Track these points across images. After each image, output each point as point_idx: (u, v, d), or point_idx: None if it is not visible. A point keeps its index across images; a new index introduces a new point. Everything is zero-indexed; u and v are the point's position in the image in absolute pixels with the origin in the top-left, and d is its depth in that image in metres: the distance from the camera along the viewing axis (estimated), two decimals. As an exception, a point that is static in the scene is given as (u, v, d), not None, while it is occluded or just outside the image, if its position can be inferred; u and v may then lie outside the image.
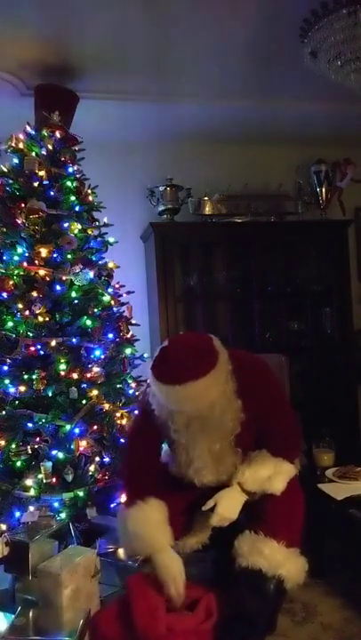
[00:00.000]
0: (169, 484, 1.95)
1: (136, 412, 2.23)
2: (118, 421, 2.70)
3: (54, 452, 2.47)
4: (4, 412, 2.53)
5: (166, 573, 1.82)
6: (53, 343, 2.58)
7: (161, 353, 1.82)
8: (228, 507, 1.85)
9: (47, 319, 2.60)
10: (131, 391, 2.86)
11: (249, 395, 1.83)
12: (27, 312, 2.59)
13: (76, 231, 2.77)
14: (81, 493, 2.49)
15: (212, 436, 1.84)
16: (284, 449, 1.91)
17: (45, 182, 2.77)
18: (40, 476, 2.44)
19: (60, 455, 2.47)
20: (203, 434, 1.83)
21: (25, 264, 2.64)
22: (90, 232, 2.89)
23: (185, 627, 1.75)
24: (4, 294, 2.59)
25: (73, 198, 2.82)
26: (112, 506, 2.59)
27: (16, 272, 2.63)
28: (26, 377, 2.55)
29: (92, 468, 2.60)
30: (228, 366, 1.81)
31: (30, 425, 2.51)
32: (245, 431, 1.86)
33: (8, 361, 2.57)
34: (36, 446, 2.50)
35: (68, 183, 2.83)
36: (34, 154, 2.78)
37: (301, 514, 1.93)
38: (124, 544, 2.02)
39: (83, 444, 2.53)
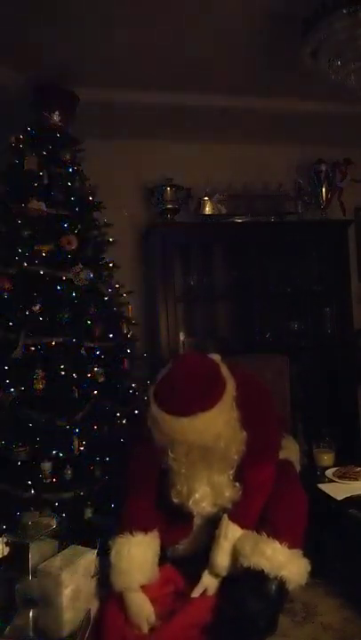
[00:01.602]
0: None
1: (134, 434, 2.19)
2: (118, 421, 2.70)
3: (54, 452, 2.47)
4: (3, 412, 2.53)
5: (133, 615, 1.82)
6: (53, 343, 2.58)
7: (166, 381, 1.76)
8: (213, 587, 1.88)
9: (47, 319, 2.61)
10: (130, 391, 2.86)
11: (249, 426, 1.82)
12: (27, 312, 2.59)
13: (76, 231, 2.77)
14: (81, 493, 2.49)
15: (212, 467, 1.82)
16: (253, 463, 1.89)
17: (46, 182, 2.77)
18: (40, 475, 2.44)
19: (60, 455, 2.47)
20: (203, 464, 1.80)
21: (25, 264, 2.64)
22: (90, 232, 2.89)
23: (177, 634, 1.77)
24: (4, 294, 2.59)
25: (73, 198, 2.82)
26: (112, 506, 2.59)
27: (16, 272, 2.63)
28: (26, 377, 2.55)
29: (92, 467, 2.60)
30: (234, 393, 1.77)
31: (30, 425, 2.51)
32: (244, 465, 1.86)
33: (8, 361, 2.57)
34: (36, 446, 2.50)
35: (69, 183, 2.83)
36: (34, 154, 2.78)
37: (304, 515, 1.93)
38: None
39: (83, 443, 2.53)
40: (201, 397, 1.69)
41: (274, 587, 1.82)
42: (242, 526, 1.88)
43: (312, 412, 3.34)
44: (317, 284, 3.92)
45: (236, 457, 1.82)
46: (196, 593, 1.86)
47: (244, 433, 1.81)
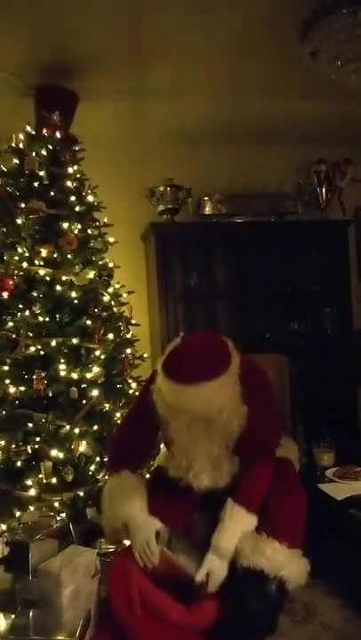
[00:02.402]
0: (166, 490, 1.94)
1: (136, 400, 2.23)
2: (118, 421, 2.70)
3: (54, 452, 2.47)
4: (4, 412, 2.53)
5: (136, 540, 1.82)
6: (53, 343, 2.58)
7: (175, 351, 1.83)
8: (217, 577, 1.81)
9: (47, 319, 2.61)
10: (131, 391, 2.86)
11: (251, 401, 1.84)
12: (27, 312, 2.59)
13: (76, 231, 2.77)
14: (81, 493, 2.49)
15: (213, 440, 1.83)
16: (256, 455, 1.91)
17: (46, 182, 2.77)
18: (40, 475, 2.44)
19: (61, 455, 2.47)
20: (204, 437, 1.82)
21: (25, 264, 2.65)
22: (90, 232, 2.90)
23: (173, 621, 1.76)
24: (5, 294, 2.59)
25: (73, 198, 2.82)
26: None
27: (16, 272, 2.64)
28: (26, 377, 2.55)
29: (92, 467, 2.60)
30: (238, 370, 1.81)
31: (30, 425, 2.51)
32: (243, 440, 1.86)
33: (8, 361, 2.57)
34: (37, 446, 2.50)
35: (69, 183, 2.83)
36: (34, 154, 2.78)
37: (304, 515, 1.93)
38: (105, 527, 2.00)
39: (83, 444, 2.53)
40: (207, 368, 1.73)
41: (274, 586, 1.81)
42: (248, 509, 1.85)
43: (312, 411, 3.33)
44: (317, 284, 3.92)
45: (237, 430, 1.84)
46: (200, 576, 1.81)
47: (246, 408, 1.83)
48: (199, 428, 1.80)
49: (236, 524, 1.84)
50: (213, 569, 1.82)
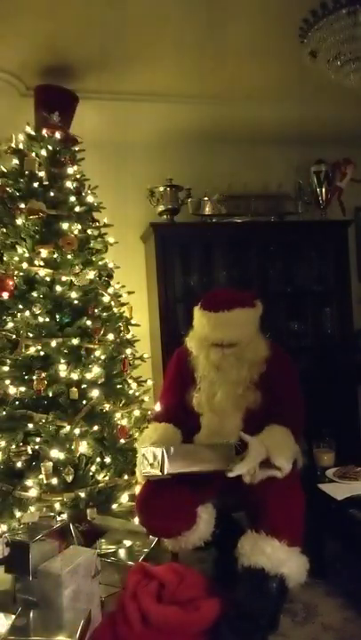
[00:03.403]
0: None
1: (172, 359, 2.40)
2: (118, 422, 2.70)
3: (55, 453, 2.47)
4: (4, 413, 2.54)
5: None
6: (54, 344, 2.58)
7: (211, 292, 2.24)
8: (253, 456, 1.84)
9: (47, 320, 2.61)
10: (131, 391, 2.86)
11: (274, 366, 2.10)
12: (27, 312, 2.59)
13: (75, 232, 2.77)
14: (82, 494, 2.49)
15: (240, 374, 2.06)
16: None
17: (45, 183, 2.77)
18: (41, 476, 2.45)
19: (61, 456, 2.48)
20: (231, 374, 2.05)
21: (25, 265, 2.65)
22: (90, 232, 2.89)
23: (172, 626, 1.78)
24: (5, 295, 2.59)
25: (73, 199, 2.82)
26: (113, 506, 2.59)
27: (16, 273, 2.64)
28: (26, 377, 2.55)
29: (92, 468, 2.60)
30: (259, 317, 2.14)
31: (31, 425, 2.51)
32: (265, 381, 2.08)
33: (8, 361, 2.57)
34: (37, 447, 2.51)
35: (68, 184, 2.83)
36: (34, 154, 2.79)
37: (302, 513, 1.93)
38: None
39: (83, 444, 2.53)
40: (239, 299, 2.09)
41: (274, 584, 1.82)
42: (288, 425, 1.98)
43: (312, 412, 3.33)
44: (317, 284, 3.92)
45: (264, 355, 2.09)
46: (244, 436, 1.88)
47: (269, 351, 2.11)
48: (228, 364, 2.06)
49: (283, 436, 1.95)
50: (250, 441, 1.86)
